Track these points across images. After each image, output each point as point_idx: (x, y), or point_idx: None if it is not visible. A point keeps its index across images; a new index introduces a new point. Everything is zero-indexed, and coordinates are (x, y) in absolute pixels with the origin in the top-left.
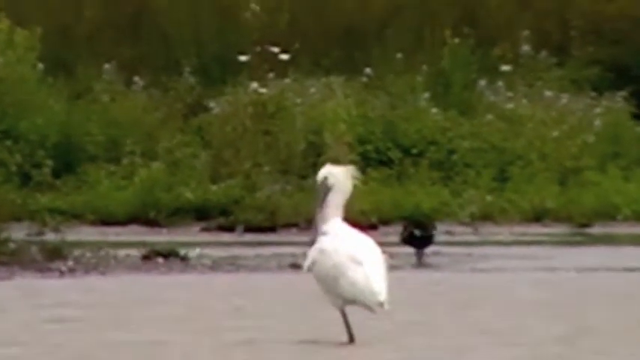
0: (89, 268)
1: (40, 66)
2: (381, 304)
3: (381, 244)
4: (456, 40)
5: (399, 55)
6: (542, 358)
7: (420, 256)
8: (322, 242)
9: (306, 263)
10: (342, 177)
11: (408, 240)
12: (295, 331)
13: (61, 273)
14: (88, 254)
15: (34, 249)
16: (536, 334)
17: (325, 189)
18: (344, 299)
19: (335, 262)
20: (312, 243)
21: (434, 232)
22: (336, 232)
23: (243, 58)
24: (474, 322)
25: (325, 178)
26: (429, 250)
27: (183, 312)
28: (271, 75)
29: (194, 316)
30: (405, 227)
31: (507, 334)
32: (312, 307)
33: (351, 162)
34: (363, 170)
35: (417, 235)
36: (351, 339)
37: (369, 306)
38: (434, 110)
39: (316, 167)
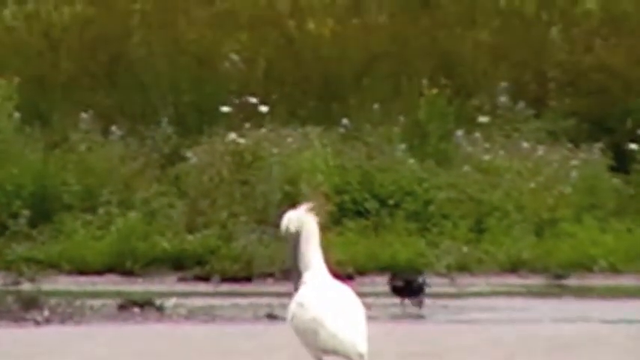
0: (65, 318)
1: (17, 115)
2: (361, 356)
3: (357, 294)
4: (433, 91)
5: (375, 106)
6: None
7: (408, 304)
8: (301, 295)
9: (287, 317)
10: (302, 218)
11: (394, 290)
12: None
13: (37, 323)
14: (64, 304)
15: (9, 299)
16: None
17: (293, 238)
18: (324, 350)
19: (314, 315)
20: (294, 293)
21: (421, 283)
22: (315, 282)
23: (224, 109)
24: None
25: (287, 228)
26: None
27: None
28: (248, 125)
29: None
30: (392, 277)
31: None
32: (288, 358)
33: (328, 212)
34: (338, 221)
35: (401, 286)
36: None
37: (349, 357)
38: (411, 161)
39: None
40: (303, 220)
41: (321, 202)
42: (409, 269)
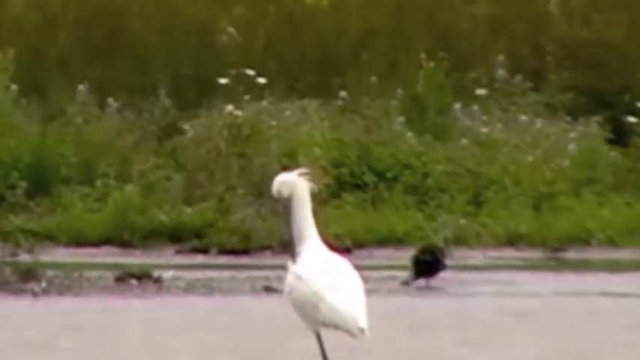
0: (62, 290)
1: (14, 87)
2: (362, 330)
3: (355, 267)
4: (431, 64)
5: (373, 79)
6: None
7: (427, 281)
8: (298, 267)
9: (285, 290)
10: (294, 181)
11: (415, 265)
12: (268, 355)
13: (35, 294)
14: (62, 276)
15: (7, 270)
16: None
17: (285, 203)
18: (324, 324)
19: (313, 289)
20: (289, 264)
21: (441, 260)
22: (312, 254)
23: (222, 81)
24: (437, 348)
25: (279, 192)
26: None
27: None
28: (247, 98)
29: (170, 338)
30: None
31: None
32: (286, 331)
33: (325, 185)
34: (336, 194)
35: (422, 261)
36: None
37: (350, 331)
38: (409, 134)
39: None
40: (293, 183)
41: (316, 170)
42: (432, 246)
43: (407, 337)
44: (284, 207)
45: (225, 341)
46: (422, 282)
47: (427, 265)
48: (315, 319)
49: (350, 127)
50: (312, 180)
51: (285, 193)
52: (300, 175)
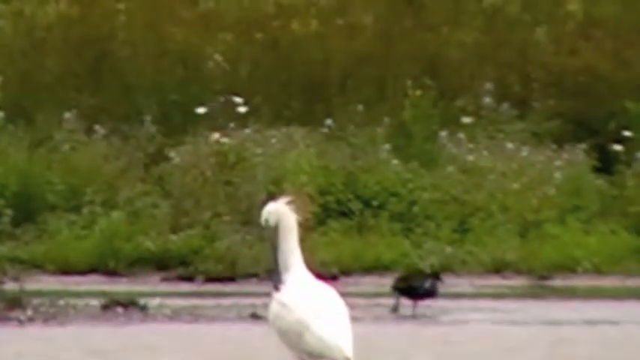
0: (48, 318)
1: (1, 114)
2: (347, 359)
3: (341, 295)
4: (418, 92)
5: (360, 107)
6: None
7: (413, 306)
8: (283, 295)
9: (269, 317)
10: (281, 211)
11: (401, 290)
12: None
13: (20, 322)
14: (48, 304)
15: None
16: None
17: (271, 232)
18: (309, 354)
19: (298, 317)
20: (274, 290)
21: (427, 286)
22: (297, 282)
23: (202, 109)
24: None
25: (266, 221)
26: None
27: None
28: (232, 125)
29: None
30: (402, 278)
31: None
32: (273, 358)
33: (312, 212)
34: (322, 221)
35: (404, 287)
36: None
37: None
38: (395, 162)
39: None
40: (281, 212)
41: (303, 199)
42: (420, 273)
43: None
44: (270, 236)
45: None
46: (408, 310)
47: (407, 292)
48: (300, 348)
49: (336, 154)
50: (298, 208)
51: (272, 221)
52: (287, 203)
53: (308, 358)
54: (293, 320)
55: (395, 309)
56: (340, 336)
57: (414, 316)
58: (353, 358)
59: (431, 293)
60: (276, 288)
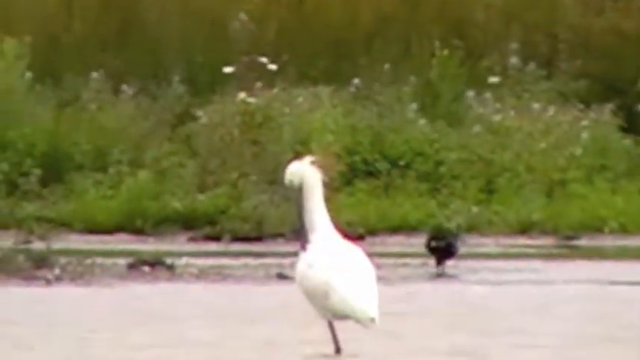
0: (76, 277)
1: (29, 75)
2: (372, 320)
3: (367, 255)
4: (445, 52)
5: (386, 66)
6: None
7: (441, 267)
8: (310, 255)
9: (296, 278)
10: (305, 170)
11: (429, 250)
12: (281, 342)
13: (48, 281)
14: (75, 263)
15: (20, 257)
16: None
17: (297, 192)
18: (334, 314)
19: (324, 278)
20: (300, 250)
21: (454, 244)
22: (323, 242)
23: (228, 69)
24: (449, 336)
25: (290, 181)
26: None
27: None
28: (259, 85)
29: (180, 325)
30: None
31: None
32: (299, 318)
33: (338, 172)
34: (349, 181)
35: (435, 246)
36: (338, 350)
37: (360, 321)
38: (422, 121)
39: None
40: (304, 172)
41: (328, 158)
42: (445, 231)
43: (420, 326)
44: (296, 196)
45: (237, 329)
46: (434, 269)
47: (442, 251)
48: (326, 308)
49: (363, 113)
50: (323, 168)
51: (297, 182)
52: (312, 163)
53: (333, 318)
54: (319, 280)
55: (441, 273)
56: (366, 297)
57: (440, 275)
58: (378, 319)
59: (456, 252)
60: (303, 247)
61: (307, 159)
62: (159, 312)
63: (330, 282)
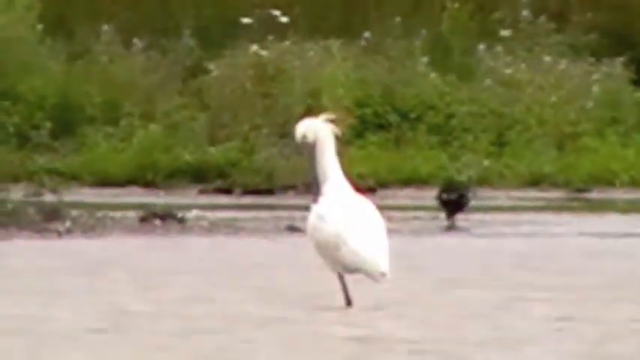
0: (87, 230)
1: (39, 27)
2: (383, 274)
3: (378, 207)
4: (456, 5)
5: (397, 20)
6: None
7: (451, 220)
8: (321, 207)
9: (307, 230)
10: (317, 127)
11: (440, 202)
12: (291, 294)
13: (59, 234)
14: (86, 215)
15: (31, 210)
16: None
17: (309, 148)
18: (345, 267)
19: (335, 231)
20: (312, 204)
21: (465, 197)
22: (335, 195)
23: (245, 20)
24: (460, 294)
25: (303, 137)
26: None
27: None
28: (271, 38)
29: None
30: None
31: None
32: (310, 271)
33: (349, 126)
34: (360, 134)
35: (446, 199)
36: (349, 303)
37: (371, 275)
38: (432, 75)
39: None
40: (317, 129)
41: (340, 115)
42: (457, 184)
43: (428, 279)
44: (308, 151)
45: (246, 281)
46: (445, 222)
47: (454, 204)
48: (337, 261)
49: (373, 67)
50: (336, 124)
51: (310, 137)
52: (324, 120)
53: (344, 272)
54: (330, 233)
55: (451, 226)
56: (376, 250)
57: (450, 228)
58: (389, 273)
59: (467, 204)
60: (315, 200)
61: (320, 117)
62: (169, 265)
63: (341, 235)
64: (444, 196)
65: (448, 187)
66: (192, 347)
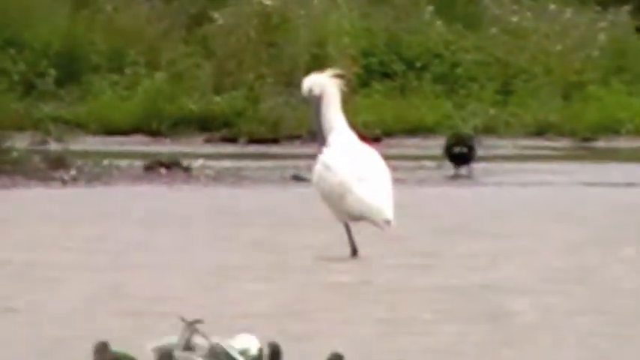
0: (92, 178)
1: None
2: (388, 222)
3: (384, 156)
4: None
5: None
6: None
7: (461, 170)
8: (327, 157)
9: (313, 179)
10: (323, 81)
11: (448, 156)
12: (296, 244)
13: (64, 182)
14: (91, 164)
15: (37, 158)
16: (543, 245)
17: (315, 100)
18: (350, 216)
19: (340, 179)
20: (316, 156)
21: (475, 149)
22: (340, 145)
23: None
24: (465, 241)
25: (310, 91)
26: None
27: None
28: None
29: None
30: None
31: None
32: (316, 220)
33: (355, 75)
34: (365, 83)
35: (458, 153)
36: (354, 252)
37: (376, 223)
38: (438, 23)
39: None
40: (324, 83)
41: (347, 67)
42: (464, 135)
43: (432, 229)
44: (315, 103)
45: (251, 231)
46: (452, 171)
47: (464, 157)
48: (342, 210)
49: (379, 15)
50: (342, 79)
51: (316, 91)
52: (331, 75)
53: (349, 220)
54: (335, 182)
55: (456, 174)
56: (381, 198)
57: (456, 178)
58: (393, 220)
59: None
60: (320, 150)
61: (327, 71)
62: (174, 213)
63: (345, 183)
64: (456, 150)
65: (457, 140)
66: (197, 297)
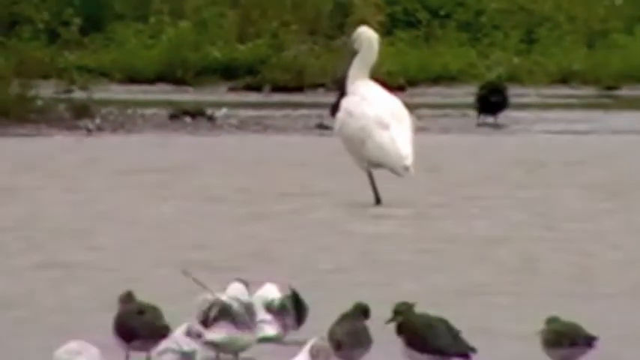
0: (116, 127)
1: None
2: (406, 168)
3: (407, 105)
4: None
5: None
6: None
7: (488, 119)
8: (349, 103)
9: (336, 126)
10: (372, 36)
11: (481, 105)
12: (320, 191)
13: (89, 131)
14: (116, 112)
15: (61, 107)
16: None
17: (352, 49)
18: (370, 162)
19: (362, 125)
20: (336, 104)
21: (507, 98)
22: (363, 93)
23: None
24: (493, 187)
25: (354, 40)
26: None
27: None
28: None
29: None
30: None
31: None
32: (339, 168)
33: (379, 23)
34: (389, 31)
35: (495, 101)
36: (378, 200)
37: (394, 169)
38: None
39: (343, 28)
40: (372, 38)
41: (371, 15)
42: (497, 84)
43: (458, 177)
44: (351, 52)
45: (275, 179)
46: (478, 119)
47: (494, 104)
48: (362, 156)
49: None
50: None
51: (356, 45)
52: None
53: (369, 167)
54: (357, 128)
55: (481, 123)
56: (401, 146)
57: (480, 126)
58: (412, 168)
59: None
60: (342, 96)
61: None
62: (200, 162)
63: (366, 129)
64: (493, 98)
65: (492, 88)
66: (229, 238)
